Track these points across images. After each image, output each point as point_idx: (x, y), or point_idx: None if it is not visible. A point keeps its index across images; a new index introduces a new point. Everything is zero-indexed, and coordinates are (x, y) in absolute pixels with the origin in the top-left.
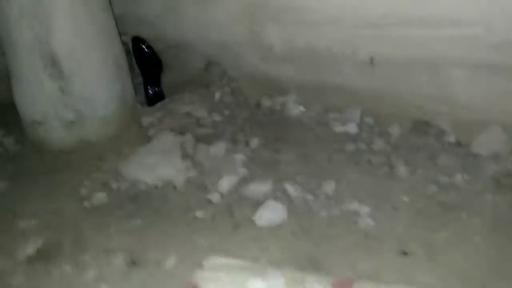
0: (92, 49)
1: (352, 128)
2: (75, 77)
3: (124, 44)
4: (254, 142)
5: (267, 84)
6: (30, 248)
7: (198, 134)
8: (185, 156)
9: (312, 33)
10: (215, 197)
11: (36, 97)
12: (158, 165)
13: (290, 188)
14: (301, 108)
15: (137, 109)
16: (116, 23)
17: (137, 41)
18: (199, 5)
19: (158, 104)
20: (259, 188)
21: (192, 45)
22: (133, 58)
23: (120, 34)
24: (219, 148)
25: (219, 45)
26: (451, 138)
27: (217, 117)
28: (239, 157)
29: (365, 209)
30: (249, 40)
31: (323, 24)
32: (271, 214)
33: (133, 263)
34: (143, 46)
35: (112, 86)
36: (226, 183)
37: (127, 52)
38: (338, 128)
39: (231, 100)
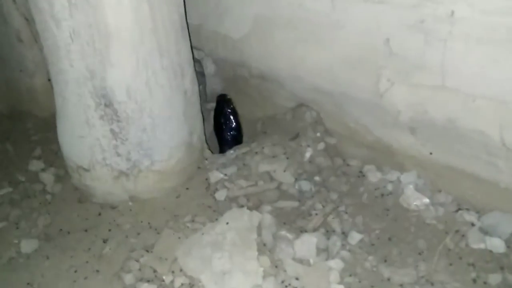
0: (157, 88)
1: (497, 245)
2: (133, 121)
3: (196, 61)
4: (355, 237)
5: (377, 150)
6: None
7: (280, 211)
8: (262, 250)
9: (454, 104)
10: None
11: (83, 140)
12: (229, 271)
13: None
14: (424, 200)
15: (203, 158)
16: (192, 47)
17: (223, 102)
18: (299, 37)
19: (233, 152)
20: None
21: (280, 81)
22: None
23: (193, 48)
24: (308, 245)
25: (317, 90)
26: None
27: (305, 186)
28: (336, 264)
29: None
30: (363, 94)
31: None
32: None
33: None
34: (228, 111)
35: (178, 133)
36: None
37: (201, 75)
38: (476, 242)
39: (325, 162)
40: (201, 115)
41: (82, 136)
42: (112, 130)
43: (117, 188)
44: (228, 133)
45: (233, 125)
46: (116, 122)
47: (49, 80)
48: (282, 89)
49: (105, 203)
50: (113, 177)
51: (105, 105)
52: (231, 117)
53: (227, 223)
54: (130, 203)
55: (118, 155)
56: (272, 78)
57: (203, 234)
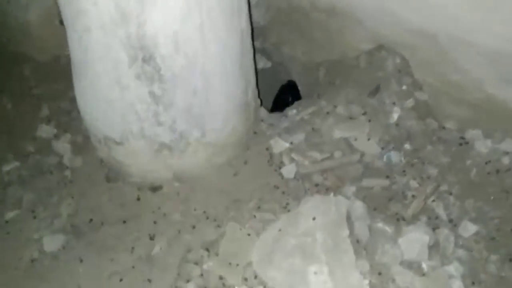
0: (213, 34)
1: None
2: (181, 81)
3: None
4: (469, 228)
5: (485, 110)
6: None
7: (367, 192)
8: (357, 251)
9: None
10: None
11: (113, 105)
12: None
13: None
14: None
15: (259, 120)
16: None
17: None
18: None
19: (295, 111)
20: None
21: (359, 15)
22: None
23: None
24: (417, 244)
25: (415, 31)
26: None
27: (395, 158)
28: (456, 270)
29: None
30: (493, 41)
31: None
32: None
33: None
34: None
35: (234, 92)
36: None
37: None
38: None
39: (417, 126)
40: (254, 62)
41: (111, 100)
42: (152, 93)
43: (158, 165)
44: None
45: None
46: (158, 82)
47: (61, 23)
48: (359, 26)
49: (144, 184)
50: (153, 151)
51: (144, 60)
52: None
53: (314, 218)
54: (176, 184)
55: (160, 124)
56: (347, 12)
57: (280, 231)
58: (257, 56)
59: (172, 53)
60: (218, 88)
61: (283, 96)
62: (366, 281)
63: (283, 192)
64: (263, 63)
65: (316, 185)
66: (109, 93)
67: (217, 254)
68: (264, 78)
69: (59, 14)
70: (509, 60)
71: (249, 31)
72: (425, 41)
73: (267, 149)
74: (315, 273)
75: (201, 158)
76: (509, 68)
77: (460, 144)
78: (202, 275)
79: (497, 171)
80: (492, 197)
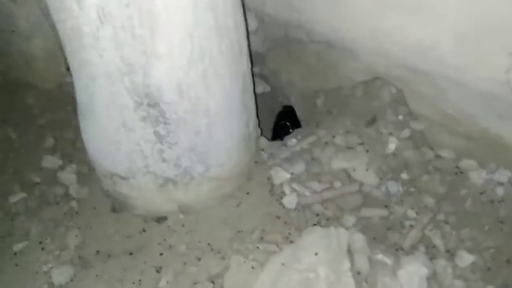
0: (215, 80)
1: None
2: (185, 123)
3: None
4: (465, 258)
5: (479, 141)
6: None
7: (366, 222)
8: (359, 283)
9: None
10: None
11: (119, 146)
12: None
13: None
14: None
15: (259, 149)
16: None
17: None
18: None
19: (295, 141)
20: None
21: (354, 51)
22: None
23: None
24: (415, 276)
25: (408, 68)
26: None
27: (393, 188)
28: None
29: None
30: (482, 83)
31: None
32: None
33: None
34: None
35: (237, 128)
36: None
37: None
38: None
39: (413, 156)
40: (254, 94)
41: (117, 141)
42: (156, 133)
43: (162, 198)
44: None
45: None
46: (163, 124)
47: (68, 69)
48: (354, 61)
49: (148, 215)
50: (158, 186)
51: (149, 105)
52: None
53: (316, 253)
54: (181, 216)
55: (164, 160)
56: (342, 47)
57: (283, 265)
58: (256, 80)
59: (177, 100)
60: (221, 126)
61: (281, 122)
62: None
63: (285, 223)
64: (262, 88)
65: (317, 215)
66: (115, 135)
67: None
68: (264, 101)
69: (65, 60)
70: (500, 101)
71: (250, 69)
72: (420, 78)
73: (268, 179)
74: None
75: (205, 191)
76: (502, 106)
77: (455, 174)
78: None
79: (492, 202)
80: (486, 227)
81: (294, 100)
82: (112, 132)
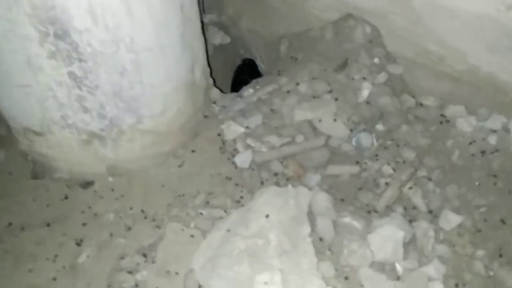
0: (140, 3)
1: None
2: (104, 59)
3: None
4: (451, 219)
5: (469, 83)
6: None
7: (333, 181)
8: (320, 251)
9: None
10: None
11: (27, 91)
12: None
13: None
14: None
15: (210, 102)
16: None
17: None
18: None
19: (252, 91)
20: None
21: None
22: None
23: None
24: (390, 241)
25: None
26: None
27: (365, 140)
28: (436, 271)
29: None
30: (474, 6)
31: None
32: None
33: None
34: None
35: (175, 71)
36: None
37: None
38: None
39: (390, 103)
40: (203, 37)
41: (24, 85)
42: (72, 74)
43: (88, 157)
44: None
45: None
46: (78, 61)
47: None
48: None
49: (73, 180)
50: (81, 142)
51: (57, 36)
52: None
53: (267, 216)
54: (111, 179)
55: (86, 110)
56: None
57: (229, 231)
58: (214, 30)
59: (90, 25)
60: (153, 66)
61: (240, 77)
62: None
63: (237, 184)
64: (221, 38)
65: (275, 174)
66: (20, 77)
67: (153, 262)
68: (225, 54)
69: None
70: (493, 26)
71: (195, 5)
72: (398, 8)
73: (218, 134)
74: (266, 283)
75: (138, 148)
76: (494, 35)
77: (441, 123)
78: (137, 285)
79: (483, 153)
80: (477, 183)
81: (256, 50)
82: (16, 73)
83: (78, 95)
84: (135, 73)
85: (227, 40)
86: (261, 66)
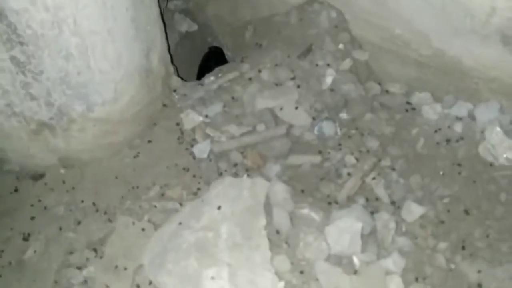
0: None
1: None
2: (47, 42)
3: None
4: (413, 210)
5: (435, 69)
6: None
7: (293, 171)
8: (276, 244)
9: None
10: None
11: None
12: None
13: None
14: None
15: (170, 90)
16: None
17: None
18: None
19: (213, 78)
20: None
21: None
22: None
23: None
24: (348, 233)
25: None
26: None
27: (328, 129)
28: (395, 265)
29: None
30: None
31: None
32: None
33: None
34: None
35: (126, 55)
36: None
37: None
38: None
39: (355, 91)
40: (161, 21)
41: None
42: (14, 59)
43: (38, 148)
44: None
45: None
46: (19, 45)
47: None
48: None
49: (24, 172)
50: (31, 132)
51: None
52: None
53: (219, 207)
54: (62, 171)
55: (33, 98)
56: None
57: (180, 224)
58: (180, 17)
59: (27, 6)
60: (101, 50)
61: (207, 65)
62: (282, 283)
63: (194, 175)
64: (187, 25)
65: (235, 165)
66: None
67: (101, 257)
68: (191, 42)
69: None
70: (458, 6)
71: None
72: None
73: (177, 124)
74: (212, 278)
75: (90, 137)
76: (459, 17)
77: (406, 111)
78: (86, 282)
79: (448, 141)
80: (441, 172)
81: (222, 37)
82: None
83: (23, 82)
84: (82, 58)
85: (194, 27)
86: (228, 54)
